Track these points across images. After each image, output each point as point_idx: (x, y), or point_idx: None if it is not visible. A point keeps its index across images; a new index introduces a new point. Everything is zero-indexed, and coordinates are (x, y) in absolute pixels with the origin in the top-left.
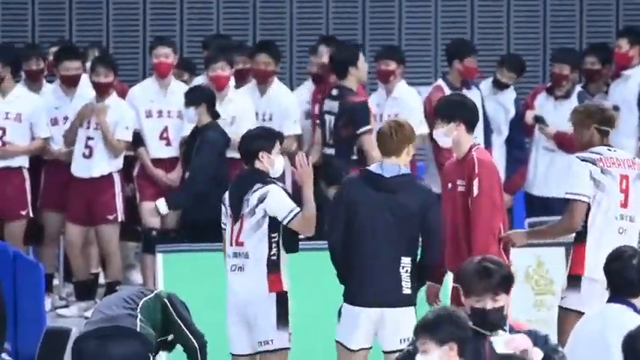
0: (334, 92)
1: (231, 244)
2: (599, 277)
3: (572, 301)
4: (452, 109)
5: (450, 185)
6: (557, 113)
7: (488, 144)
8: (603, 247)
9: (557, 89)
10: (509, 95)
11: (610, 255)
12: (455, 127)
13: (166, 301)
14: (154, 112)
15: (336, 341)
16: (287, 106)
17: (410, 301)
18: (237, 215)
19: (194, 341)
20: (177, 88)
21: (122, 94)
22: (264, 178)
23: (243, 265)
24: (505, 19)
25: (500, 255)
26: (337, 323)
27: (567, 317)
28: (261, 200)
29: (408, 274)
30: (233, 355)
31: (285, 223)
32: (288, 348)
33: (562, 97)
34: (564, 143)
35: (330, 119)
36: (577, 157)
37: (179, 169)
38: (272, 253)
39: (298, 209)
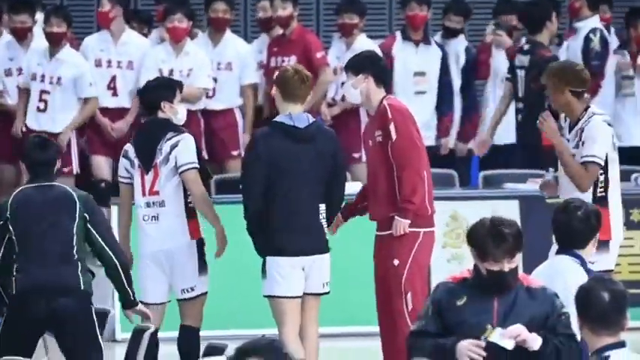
0: (526, 47)
1: (144, 195)
2: (620, 239)
3: (604, 264)
4: (360, 62)
5: (370, 142)
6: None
7: (449, 107)
8: (619, 212)
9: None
10: (461, 43)
11: (557, 207)
12: (363, 80)
13: (87, 217)
14: (103, 61)
15: (270, 296)
16: (244, 55)
17: (328, 246)
18: (148, 165)
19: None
20: (129, 39)
21: (76, 49)
22: (176, 127)
23: (158, 215)
24: None
25: (424, 202)
26: (263, 279)
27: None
28: (173, 148)
29: (325, 221)
30: (146, 303)
31: (179, 170)
32: (206, 293)
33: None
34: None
35: (521, 74)
36: (603, 120)
37: (127, 119)
38: (188, 200)
39: (197, 166)
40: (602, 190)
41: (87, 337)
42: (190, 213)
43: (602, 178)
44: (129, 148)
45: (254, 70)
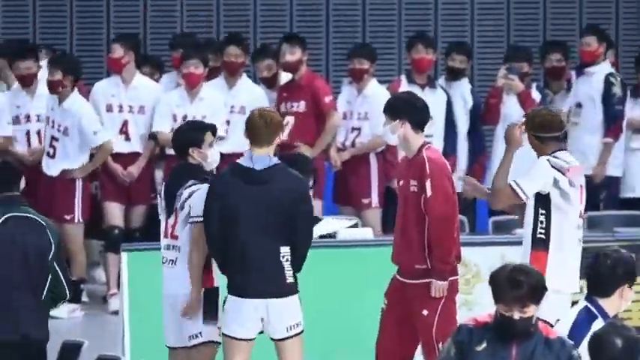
0: None
1: (166, 237)
2: (565, 288)
3: (541, 312)
4: (397, 107)
5: (401, 182)
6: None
7: (452, 149)
8: (568, 258)
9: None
10: (465, 86)
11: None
12: (400, 125)
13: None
14: (114, 106)
15: (223, 334)
16: (258, 97)
17: (293, 289)
18: (170, 209)
19: (67, 291)
20: (139, 83)
21: (81, 93)
22: (200, 175)
23: (176, 259)
24: (469, 13)
25: (456, 248)
26: (221, 314)
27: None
28: (189, 196)
29: (289, 264)
30: (168, 347)
31: (189, 221)
32: (218, 342)
33: None
34: (527, 103)
35: None
36: (548, 160)
37: (138, 164)
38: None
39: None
40: (541, 232)
41: None
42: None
43: (542, 218)
44: (162, 188)
45: None
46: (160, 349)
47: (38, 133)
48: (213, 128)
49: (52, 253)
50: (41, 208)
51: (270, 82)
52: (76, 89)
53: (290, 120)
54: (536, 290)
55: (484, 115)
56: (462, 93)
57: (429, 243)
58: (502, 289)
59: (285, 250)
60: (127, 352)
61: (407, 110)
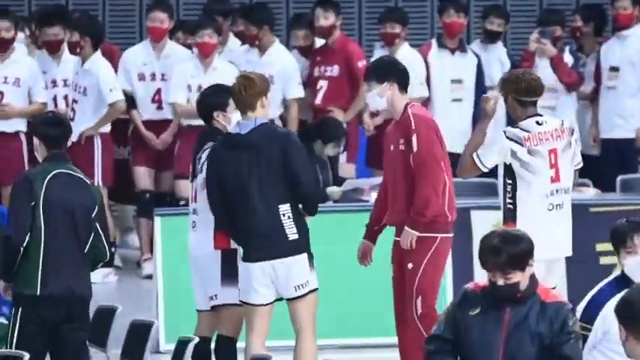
0: None
1: (192, 201)
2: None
3: None
4: (384, 70)
5: (391, 147)
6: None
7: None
8: (535, 227)
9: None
10: (501, 49)
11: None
12: (388, 88)
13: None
14: (146, 75)
15: (240, 301)
16: (289, 68)
17: (298, 247)
18: (193, 173)
19: (107, 250)
20: (172, 52)
21: (111, 56)
22: (218, 137)
23: (196, 222)
24: None
25: (443, 209)
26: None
27: None
28: (207, 159)
29: (291, 220)
30: (197, 310)
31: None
32: (238, 304)
33: None
34: (560, 67)
35: None
36: (504, 132)
37: (171, 131)
38: None
39: None
40: (509, 202)
41: None
42: None
43: (509, 189)
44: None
45: (299, 83)
46: (193, 314)
47: (65, 98)
48: None
49: (95, 211)
50: None
51: (306, 51)
52: (98, 51)
53: (323, 84)
54: (516, 258)
55: None
56: (499, 56)
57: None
58: (484, 256)
59: (284, 208)
60: (161, 316)
61: (394, 72)
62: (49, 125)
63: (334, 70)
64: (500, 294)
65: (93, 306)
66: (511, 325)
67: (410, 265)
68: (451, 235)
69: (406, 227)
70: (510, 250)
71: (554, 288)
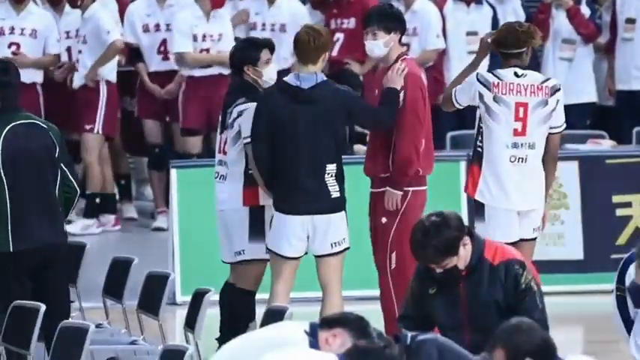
0: None
1: (219, 152)
2: (494, 203)
3: (480, 230)
4: (394, 20)
5: (376, 92)
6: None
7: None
8: (496, 174)
9: None
10: (516, 1)
11: None
12: (394, 38)
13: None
14: (151, 26)
15: (269, 249)
16: (299, 16)
17: (339, 205)
18: (223, 125)
19: (76, 185)
20: (175, 1)
21: (121, 7)
22: (251, 93)
23: (226, 174)
24: None
25: (425, 161)
26: (268, 230)
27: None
28: (239, 115)
29: (334, 179)
30: (224, 261)
31: (243, 140)
32: (264, 260)
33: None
34: (576, 19)
35: None
36: (477, 73)
37: (177, 81)
38: (249, 167)
39: None
40: (479, 145)
41: None
42: (249, 180)
43: (480, 132)
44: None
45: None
46: (209, 266)
47: (68, 50)
48: (270, 45)
49: (57, 152)
50: (64, 121)
51: (319, 5)
52: (97, 0)
53: (340, 37)
54: (444, 248)
55: None
56: (514, 8)
57: (393, 152)
58: (413, 251)
59: (331, 168)
60: (177, 268)
61: (400, 24)
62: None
63: (350, 23)
64: (442, 279)
65: (108, 257)
66: (468, 299)
67: (383, 220)
68: (425, 187)
69: (389, 188)
70: (435, 242)
71: (534, 239)
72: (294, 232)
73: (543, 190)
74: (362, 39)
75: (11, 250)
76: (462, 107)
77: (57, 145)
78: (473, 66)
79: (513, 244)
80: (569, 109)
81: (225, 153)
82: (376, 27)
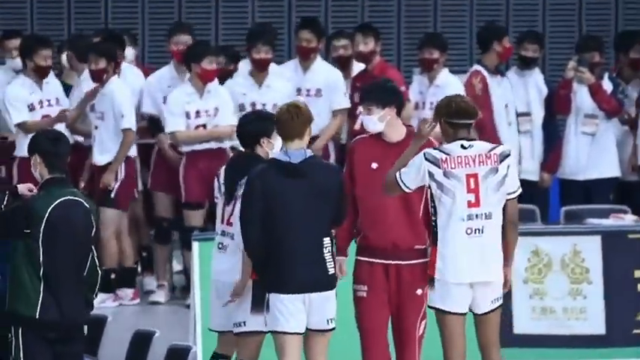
0: None
1: (222, 222)
2: (449, 279)
3: (434, 301)
4: (388, 95)
5: (375, 165)
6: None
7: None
8: (450, 249)
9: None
10: (538, 75)
11: None
12: (389, 113)
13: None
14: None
15: (274, 332)
16: (334, 79)
17: (334, 281)
18: (230, 196)
19: (98, 265)
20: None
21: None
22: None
23: (228, 245)
24: (541, 1)
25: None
26: (266, 314)
27: (441, 317)
28: None
29: (330, 254)
30: (212, 330)
31: None
32: (264, 332)
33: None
34: (598, 95)
35: None
36: (424, 152)
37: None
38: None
39: None
40: (433, 224)
41: None
42: None
43: (432, 211)
44: (221, 172)
45: (344, 94)
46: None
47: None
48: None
49: (93, 233)
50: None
51: (344, 63)
52: (116, 75)
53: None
54: None
55: (555, 105)
56: (536, 82)
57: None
58: None
59: (327, 242)
60: (199, 341)
61: (396, 97)
62: (51, 142)
63: None
64: None
65: (130, 330)
66: None
67: (419, 292)
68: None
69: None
70: None
71: (493, 311)
72: (295, 308)
73: (502, 261)
74: None
75: (37, 316)
76: (409, 191)
77: (94, 226)
78: (412, 150)
79: (464, 315)
80: (592, 183)
81: (229, 224)
82: (370, 103)
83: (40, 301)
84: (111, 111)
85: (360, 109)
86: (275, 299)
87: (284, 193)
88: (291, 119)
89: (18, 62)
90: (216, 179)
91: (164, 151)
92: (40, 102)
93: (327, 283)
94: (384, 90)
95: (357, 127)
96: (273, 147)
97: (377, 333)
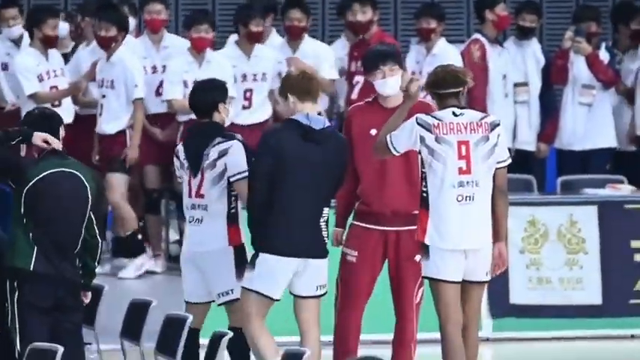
0: None
1: (190, 196)
2: (443, 245)
3: (429, 270)
4: (401, 57)
5: (374, 132)
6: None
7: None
8: (442, 215)
9: None
10: (536, 45)
11: None
12: (402, 74)
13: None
14: (147, 68)
15: (252, 290)
16: (322, 52)
17: (327, 251)
18: (196, 169)
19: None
20: (171, 43)
21: None
22: (225, 132)
23: (202, 217)
24: None
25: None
26: (250, 272)
27: (435, 285)
28: (222, 155)
29: (326, 224)
30: (188, 302)
31: (230, 179)
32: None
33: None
34: (595, 65)
35: None
36: (416, 117)
37: (174, 125)
38: (232, 206)
39: (247, 174)
40: (424, 189)
41: None
42: (232, 219)
43: (424, 176)
44: (180, 149)
45: (330, 67)
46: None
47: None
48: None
49: (89, 204)
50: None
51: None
52: (123, 43)
53: (359, 79)
54: None
55: (552, 75)
56: (534, 52)
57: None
58: None
59: (326, 212)
60: None
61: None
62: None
63: None
64: None
65: (126, 300)
66: None
67: (417, 258)
68: None
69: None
70: None
71: (486, 282)
72: (284, 274)
73: (490, 229)
74: None
75: (31, 268)
76: (398, 154)
77: (89, 199)
78: (403, 111)
79: (459, 283)
80: (588, 153)
81: (199, 196)
82: (393, 63)
83: (34, 255)
84: (122, 79)
85: (376, 73)
86: (267, 259)
87: (297, 155)
88: (310, 79)
89: (15, 31)
90: (175, 158)
91: (145, 125)
92: (47, 72)
93: (320, 251)
94: (398, 52)
95: (354, 96)
96: (229, 112)
97: (356, 299)
